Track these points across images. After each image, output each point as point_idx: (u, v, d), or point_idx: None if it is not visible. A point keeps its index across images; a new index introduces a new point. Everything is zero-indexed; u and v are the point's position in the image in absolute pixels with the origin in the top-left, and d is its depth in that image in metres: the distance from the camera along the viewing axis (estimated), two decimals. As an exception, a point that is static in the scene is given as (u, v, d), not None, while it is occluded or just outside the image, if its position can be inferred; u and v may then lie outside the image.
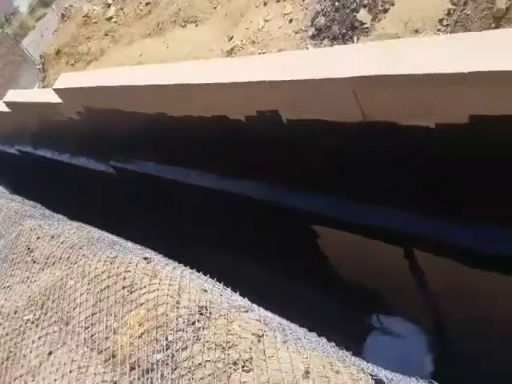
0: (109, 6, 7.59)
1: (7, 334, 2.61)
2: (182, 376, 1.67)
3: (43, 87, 8.26)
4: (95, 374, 2.03)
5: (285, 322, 2.12)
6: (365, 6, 4.01)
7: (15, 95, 6.72)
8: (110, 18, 7.39)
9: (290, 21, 4.59)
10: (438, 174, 2.64)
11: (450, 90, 2.16)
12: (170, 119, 3.94)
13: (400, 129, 2.51)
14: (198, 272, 2.26)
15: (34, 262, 3.03)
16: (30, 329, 2.53)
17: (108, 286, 2.26)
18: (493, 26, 3.12)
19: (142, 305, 2.04)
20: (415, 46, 2.32)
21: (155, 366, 1.79)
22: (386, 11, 3.85)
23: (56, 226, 3.43)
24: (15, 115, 6.75)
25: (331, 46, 4.01)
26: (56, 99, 5.14)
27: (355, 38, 3.98)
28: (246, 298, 2.12)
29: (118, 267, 2.32)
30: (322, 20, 4.28)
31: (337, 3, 4.24)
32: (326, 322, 3.39)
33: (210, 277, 2.23)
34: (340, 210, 3.27)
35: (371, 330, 4.18)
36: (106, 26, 7.37)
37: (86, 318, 2.26)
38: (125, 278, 2.22)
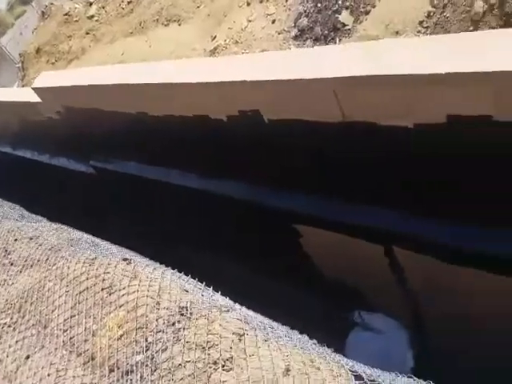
0: (90, 4, 7.49)
1: (-17, 339, 2.55)
2: (162, 377, 1.66)
3: (23, 86, 8.11)
4: (74, 376, 2.00)
5: (266, 320, 2.12)
6: (347, 8, 4.04)
7: (-7, 94, 6.58)
8: (92, 16, 7.30)
9: (273, 21, 4.60)
10: (417, 173, 2.68)
11: (429, 90, 2.19)
12: (151, 119, 3.91)
13: (379, 129, 2.53)
14: (180, 272, 2.25)
15: (12, 264, 2.97)
16: (7, 333, 2.48)
17: (87, 288, 2.23)
18: (471, 28, 3.18)
19: (121, 306, 2.02)
20: (395, 47, 2.35)
21: (135, 368, 1.77)
22: (367, 13, 3.89)
23: (35, 227, 3.37)
24: (-7, 114, 6.62)
25: (313, 46, 4.03)
26: (35, 98, 5.05)
27: (337, 40, 4.01)
28: (228, 298, 2.12)
29: (97, 269, 2.30)
30: (304, 21, 4.30)
31: (319, 5, 4.26)
32: (308, 319, 3.41)
33: (192, 277, 2.22)
34: (322, 209, 3.30)
35: (353, 326, 4.22)
36: (88, 25, 7.27)
37: (65, 320, 2.23)
38: (104, 280, 2.20)
